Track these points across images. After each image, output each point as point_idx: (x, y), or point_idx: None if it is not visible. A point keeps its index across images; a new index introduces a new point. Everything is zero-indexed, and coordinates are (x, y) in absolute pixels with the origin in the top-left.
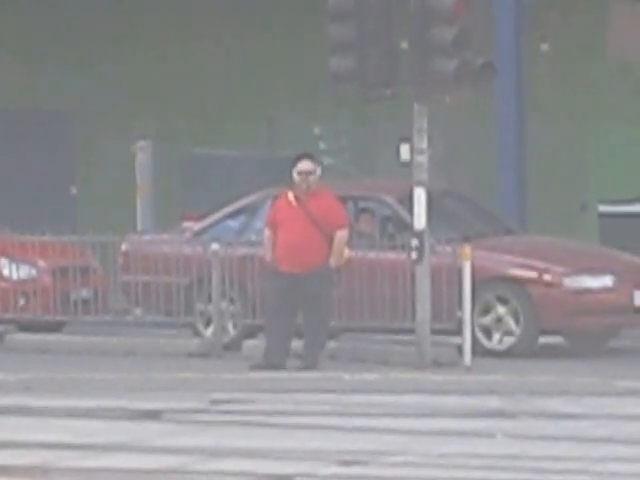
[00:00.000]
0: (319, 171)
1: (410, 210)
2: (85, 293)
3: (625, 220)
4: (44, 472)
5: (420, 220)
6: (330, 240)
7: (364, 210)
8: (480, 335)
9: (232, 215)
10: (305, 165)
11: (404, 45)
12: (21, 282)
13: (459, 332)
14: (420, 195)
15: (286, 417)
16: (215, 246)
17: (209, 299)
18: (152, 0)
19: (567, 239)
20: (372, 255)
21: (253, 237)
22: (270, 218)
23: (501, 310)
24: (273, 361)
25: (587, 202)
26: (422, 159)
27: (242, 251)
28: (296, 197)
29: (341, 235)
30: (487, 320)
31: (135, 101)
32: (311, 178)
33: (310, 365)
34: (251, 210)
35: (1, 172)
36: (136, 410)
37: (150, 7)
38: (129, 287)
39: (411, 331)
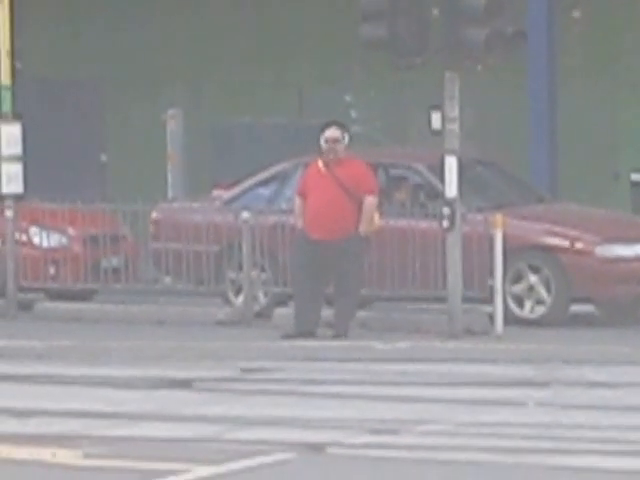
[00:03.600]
0: (347, 138)
1: (441, 178)
2: (115, 261)
3: None
4: (74, 441)
5: (451, 188)
6: (360, 208)
7: (403, 179)
8: (512, 304)
9: (263, 183)
10: (332, 132)
11: (435, 13)
12: (51, 250)
13: (490, 300)
14: (451, 163)
15: (317, 386)
16: (246, 214)
17: (239, 267)
18: None
19: (599, 207)
20: (403, 223)
21: (284, 205)
22: (300, 186)
23: (533, 279)
24: (303, 329)
25: (620, 171)
26: (453, 127)
27: (273, 219)
28: (325, 164)
29: (370, 201)
30: (519, 289)
31: (165, 69)
32: (338, 146)
33: (341, 334)
34: (282, 178)
35: (31, 140)
36: (166, 379)
37: None
38: (159, 255)
39: (442, 299)
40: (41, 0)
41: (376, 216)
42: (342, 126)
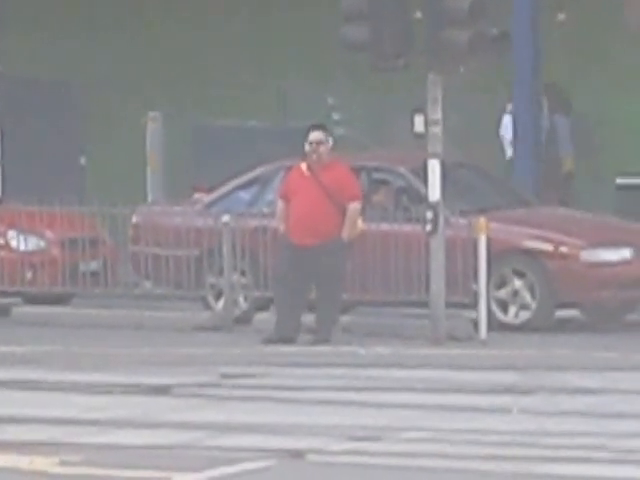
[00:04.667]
0: (331, 142)
1: (424, 182)
2: (94, 265)
3: None
4: (50, 448)
5: (434, 192)
6: (342, 212)
7: (383, 182)
8: (496, 309)
9: (244, 187)
10: (315, 135)
11: (418, 14)
12: (29, 254)
13: (474, 306)
14: (434, 166)
15: (298, 392)
16: (226, 218)
17: (220, 272)
18: None
19: (584, 211)
20: (386, 227)
21: (265, 209)
22: (283, 189)
23: (517, 283)
24: (284, 335)
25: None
26: (436, 130)
27: (254, 223)
28: (309, 168)
29: (353, 207)
30: (503, 293)
31: (145, 71)
32: (321, 148)
33: (323, 339)
34: (263, 181)
35: (10, 142)
36: (145, 385)
37: None
38: (139, 259)
39: (426, 304)
40: (21, 2)
41: (359, 221)
42: (325, 129)
